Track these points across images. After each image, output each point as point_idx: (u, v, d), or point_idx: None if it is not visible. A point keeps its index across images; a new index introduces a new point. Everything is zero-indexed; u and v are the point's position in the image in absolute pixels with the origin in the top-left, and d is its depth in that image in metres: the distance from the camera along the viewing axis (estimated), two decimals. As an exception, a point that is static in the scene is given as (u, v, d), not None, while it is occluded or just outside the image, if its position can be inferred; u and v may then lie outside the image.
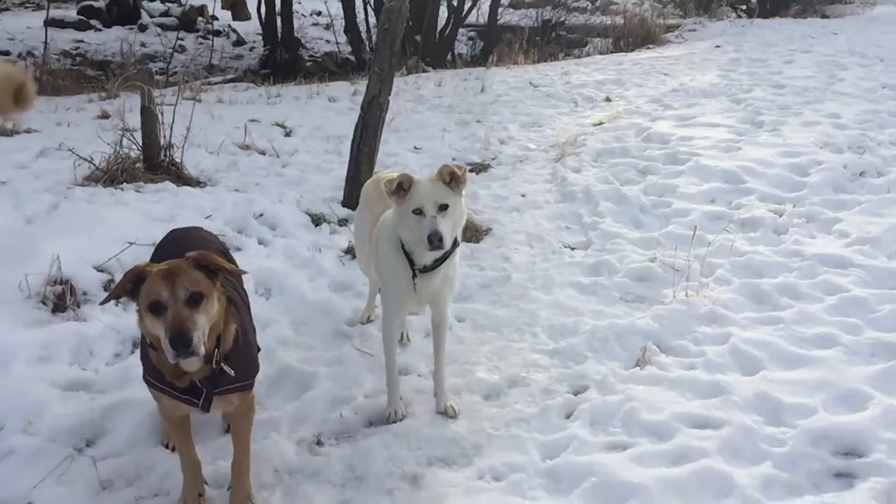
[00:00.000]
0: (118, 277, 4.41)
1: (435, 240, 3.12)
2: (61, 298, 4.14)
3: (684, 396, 3.58)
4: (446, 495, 3.00)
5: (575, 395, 3.67)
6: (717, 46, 14.51)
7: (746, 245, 5.22)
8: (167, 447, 3.24)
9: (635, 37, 16.99)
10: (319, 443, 3.36)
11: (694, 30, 18.00)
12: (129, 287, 2.48)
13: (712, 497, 2.91)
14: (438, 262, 3.35)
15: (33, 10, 21.48)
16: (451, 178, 3.24)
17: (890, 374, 3.59)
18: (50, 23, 14.48)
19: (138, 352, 3.17)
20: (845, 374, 3.65)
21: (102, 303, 2.66)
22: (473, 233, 5.70)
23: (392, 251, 3.39)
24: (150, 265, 2.52)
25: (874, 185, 6.17)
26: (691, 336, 4.15)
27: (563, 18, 19.18)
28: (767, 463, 3.08)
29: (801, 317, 4.24)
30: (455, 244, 3.37)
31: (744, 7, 21.42)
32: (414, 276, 3.35)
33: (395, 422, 3.49)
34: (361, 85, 10.15)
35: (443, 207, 3.17)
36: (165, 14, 19.15)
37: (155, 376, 2.65)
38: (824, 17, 19.16)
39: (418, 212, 3.17)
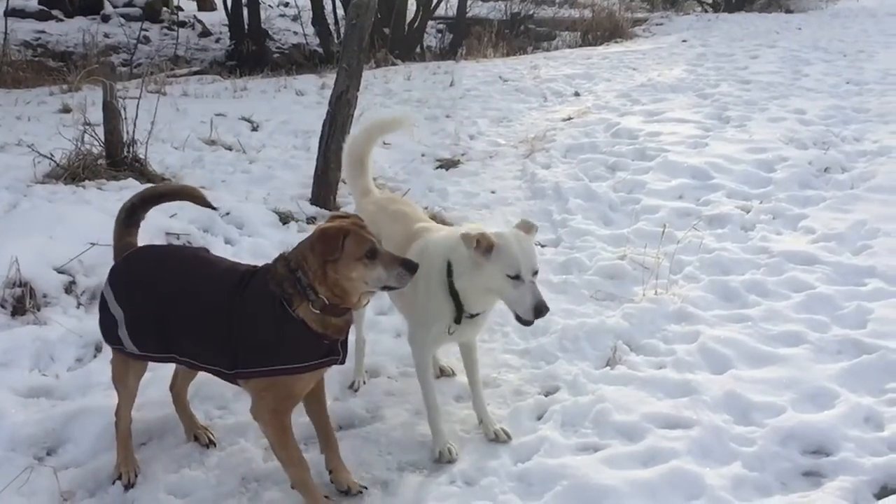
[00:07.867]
0: (79, 279, 4.31)
1: (544, 311, 2.98)
2: (20, 301, 4.02)
3: (655, 396, 3.58)
4: (418, 501, 2.97)
5: (546, 395, 3.66)
6: (684, 41, 14.63)
7: (714, 242, 5.25)
8: (122, 482, 3.03)
9: (603, 31, 17.11)
10: (288, 448, 3.30)
11: (661, 24, 18.15)
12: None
13: (683, 498, 2.91)
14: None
15: (-9, 0, 20.96)
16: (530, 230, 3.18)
17: (856, 371, 3.63)
18: (10, 13, 14.14)
19: (110, 359, 3.07)
20: (812, 371, 3.68)
21: None
22: (443, 230, 5.65)
23: (441, 294, 3.17)
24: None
25: (839, 180, 6.24)
26: (661, 335, 4.16)
27: (531, 11, 19.23)
28: (737, 463, 3.09)
29: (768, 314, 4.27)
30: None
31: (710, 1, 21.62)
32: (458, 321, 3.18)
33: (449, 462, 3.18)
34: (329, 78, 10.08)
35: (535, 273, 3.03)
36: (129, 4, 18.75)
37: (296, 355, 2.74)
38: (788, 11, 19.43)
39: (515, 277, 2.99)
